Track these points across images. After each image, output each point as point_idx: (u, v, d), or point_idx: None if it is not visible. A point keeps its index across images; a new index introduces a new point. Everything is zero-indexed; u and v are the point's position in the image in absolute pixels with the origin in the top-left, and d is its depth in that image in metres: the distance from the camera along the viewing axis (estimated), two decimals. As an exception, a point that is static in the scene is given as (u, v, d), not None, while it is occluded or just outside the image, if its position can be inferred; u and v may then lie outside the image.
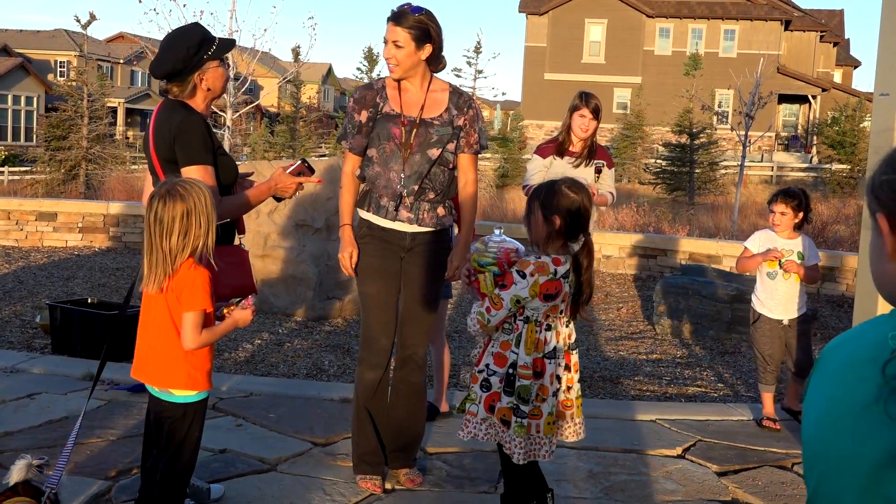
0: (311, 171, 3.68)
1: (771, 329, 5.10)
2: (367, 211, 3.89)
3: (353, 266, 3.89)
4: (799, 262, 5.00)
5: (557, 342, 3.21)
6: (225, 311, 3.15)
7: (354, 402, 4.02)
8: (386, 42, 3.78)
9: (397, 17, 3.75)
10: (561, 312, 3.20)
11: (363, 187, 3.96)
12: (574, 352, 3.30)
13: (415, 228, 3.86)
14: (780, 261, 4.99)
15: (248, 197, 3.57)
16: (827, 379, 1.12)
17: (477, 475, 4.15)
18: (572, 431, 3.31)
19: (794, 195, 5.05)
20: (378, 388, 3.95)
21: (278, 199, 3.72)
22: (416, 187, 3.81)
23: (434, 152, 3.82)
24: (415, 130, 3.81)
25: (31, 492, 2.88)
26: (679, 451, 4.61)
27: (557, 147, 5.52)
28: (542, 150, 5.61)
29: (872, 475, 1.04)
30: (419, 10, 3.77)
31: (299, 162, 3.68)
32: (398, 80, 3.86)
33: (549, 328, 3.19)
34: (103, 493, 3.74)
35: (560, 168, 5.33)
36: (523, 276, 3.10)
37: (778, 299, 5.07)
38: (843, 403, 1.08)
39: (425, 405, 4.14)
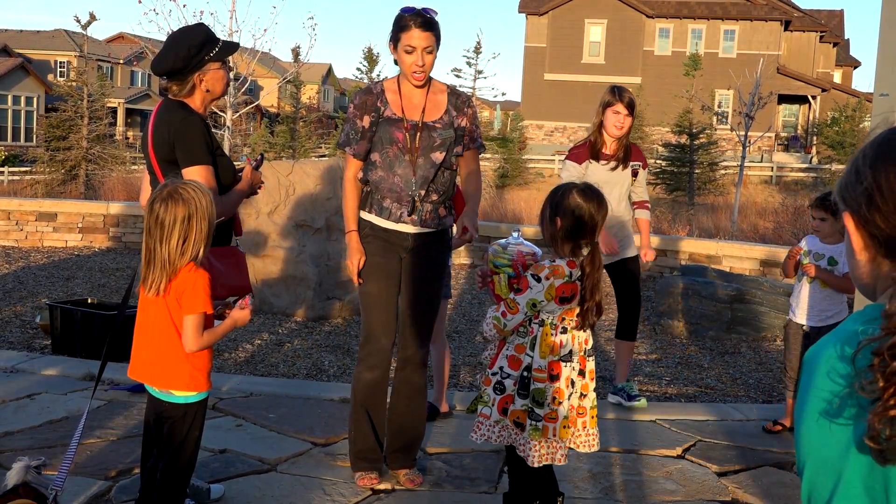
0: (262, 162, 3.83)
1: (794, 332, 5.00)
2: (370, 213, 3.89)
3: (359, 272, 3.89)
4: (830, 267, 4.80)
5: (573, 345, 3.21)
6: (225, 311, 3.15)
7: (352, 400, 4.01)
8: (413, 49, 3.70)
9: (428, 23, 3.69)
10: (578, 315, 3.20)
11: (364, 189, 3.95)
12: (590, 358, 3.28)
13: (417, 229, 3.86)
14: (798, 261, 4.88)
15: (238, 192, 3.61)
16: (810, 381, 1.17)
17: (477, 475, 4.15)
18: (583, 441, 3.26)
19: (830, 200, 4.80)
20: (377, 388, 3.95)
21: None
22: (423, 191, 3.81)
23: (438, 155, 3.82)
24: (418, 134, 3.82)
25: (31, 493, 2.88)
26: (679, 451, 4.62)
27: (591, 149, 5.17)
28: (576, 156, 5.20)
29: (851, 465, 1.09)
30: (433, 11, 3.76)
31: (259, 157, 3.77)
32: (421, 86, 3.83)
33: (564, 331, 3.19)
34: (103, 493, 3.74)
35: (596, 174, 5.01)
36: (538, 280, 3.11)
37: (799, 302, 4.96)
38: (823, 401, 1.13)
39: (426, 405, 4.14)
